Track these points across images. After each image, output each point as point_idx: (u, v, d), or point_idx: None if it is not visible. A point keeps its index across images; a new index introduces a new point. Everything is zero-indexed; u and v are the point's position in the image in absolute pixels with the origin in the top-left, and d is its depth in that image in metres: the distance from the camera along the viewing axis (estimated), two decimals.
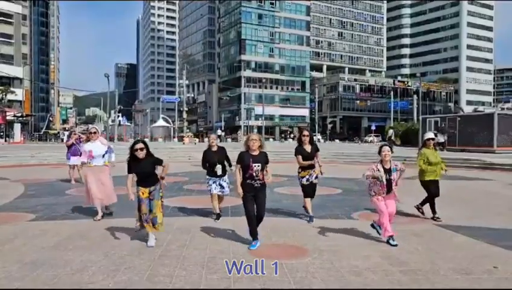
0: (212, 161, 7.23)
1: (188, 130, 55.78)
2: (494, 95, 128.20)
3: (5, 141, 44.62)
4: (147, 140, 59.70)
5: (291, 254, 5.35)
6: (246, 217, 5.62)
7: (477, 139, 25.35)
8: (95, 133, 7.78)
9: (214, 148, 7.36)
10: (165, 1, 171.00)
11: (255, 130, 74.73)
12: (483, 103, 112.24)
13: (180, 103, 73.34)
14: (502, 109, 72.87)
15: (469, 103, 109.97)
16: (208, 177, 7.37)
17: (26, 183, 12.46)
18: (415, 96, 58.86)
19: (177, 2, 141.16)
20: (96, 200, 7.37)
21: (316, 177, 7.31)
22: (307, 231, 6.55)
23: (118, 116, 60.19)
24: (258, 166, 5.51)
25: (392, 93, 76.41)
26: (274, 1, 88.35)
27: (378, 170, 5.71)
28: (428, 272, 4.70)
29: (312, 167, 7.22)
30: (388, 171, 5.76)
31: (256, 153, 5.58)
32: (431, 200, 7.48)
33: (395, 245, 5.67)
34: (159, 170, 5.85)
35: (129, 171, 5.75)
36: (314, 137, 7.76)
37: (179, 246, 5.66)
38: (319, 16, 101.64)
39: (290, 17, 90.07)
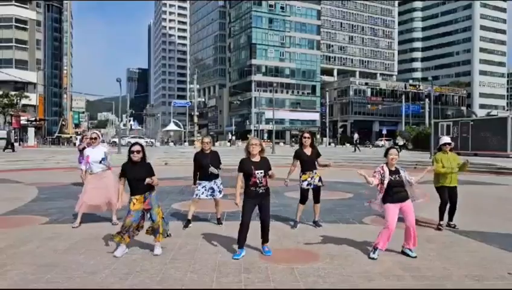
0: (205, 162, 7.05)
1: (198, 134, 56.11)
2: (507, 99, 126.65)
3: (19, 145, 45.23)
4: (157, 144, 60.01)
5: (302, 259, 5.34)
6: (241, 223, 5.39)
7: (491, 144, 25.06)
8: (95, 138, 7.48)
9: (207, 151, 7.17)
10: (177, 6, 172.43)
11: (265, 135, 74.88)
12: (496, 107, 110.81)
13: (191, 107, 73.69)
14: None
15: (482, 106, 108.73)
16: (199, 181, 7.16)
17: (39, 186, 12.63)
18: (427, 100, 58.26)
19: (189, 6, 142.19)
20: (81, 206, 7.15)
21: (320, 180, 7.15)
22: (318, 235, 6.54)
23: (130, 120, 60.74)
24: (261, 173, 5.38)
25: (403, 97, 75.86)
26: (285, 5, 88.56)
27: (384, 172, 5.52)
28: (441, 278, 4.67)
29: (313, 169, 7.12)
30: (394, 173, 5.54)
31: (257, 159, 5.45)
32: (443, 207, 7.32)
33: (372, 258, 5.34)
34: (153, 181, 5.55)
35: (121, 175, 5.51)
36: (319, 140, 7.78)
37: (190, 250, 5.69)
38: (330, 19, 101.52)
39: (301, 21, 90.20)
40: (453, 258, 5.40)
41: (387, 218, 5.46)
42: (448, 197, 7.33)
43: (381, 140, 64.94)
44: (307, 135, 7.21)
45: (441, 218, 7.30)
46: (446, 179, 7.27)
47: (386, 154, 5.62)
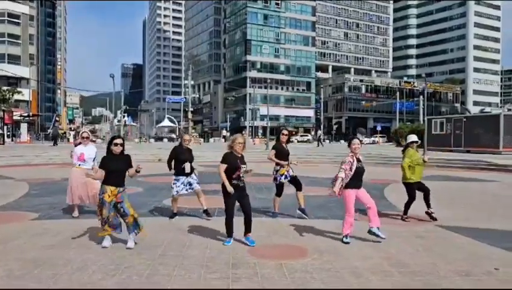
0: (182, 157, 7.31)
1: (193, 131, 56.04)
2: (501, 96, 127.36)
3: (12, 140, 44.90)
4: (151, 140, 59.74)
5: (291, 255, 5.35)
6: (226, 217, 5.75)
7: (483, 140, 25.13)
8: (87, 137, 7.89)
9: (185, 147, 7.42)
10: (171, 2, 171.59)
11: (260, 131, 74.82)
12: (490, 104, 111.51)
13: (185, 104, 73.48)
14: (509, 109, 72.31)
15: (476, 103, 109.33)
16: (175, 177, 7.35)
17: (30, 182, 12.55)
18: (421, 97, 58.61)
19: (183, 2, 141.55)
20: (76, 198, 7.58)
21: (292, 171, 7.75)
22: (307, 231, 6.54)
23: (124, 116, 60.41)
24: (245, 167, 5.77)
25: (397, 94, 76.03)
26: (279, 2, 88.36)
27: (353, 161, 5.96)
28: (428, 273, 4.68)
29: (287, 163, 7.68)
30: (359, 161, 6.05)
31: (240, 155, 5.84)
32: (411, 203, 7.63)
33: (347, 243, 5.84)
34: (130, 172, 5.71)
35: (101, 167, 5.66)
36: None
37: (179, 245, 5.68)
38: (325, 16, 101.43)
39: (296, 17, 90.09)
40: (442, 254, 5.43)
41: (348, 205, 5.94)
42: (419, 189, 7.68)
43: (376, 136, 65.30)
44: (285, 132, 7.84)
45: (406, 212, 7.68)
46: (416, 173, 7.61)
47: (349, 144, 6.12)
